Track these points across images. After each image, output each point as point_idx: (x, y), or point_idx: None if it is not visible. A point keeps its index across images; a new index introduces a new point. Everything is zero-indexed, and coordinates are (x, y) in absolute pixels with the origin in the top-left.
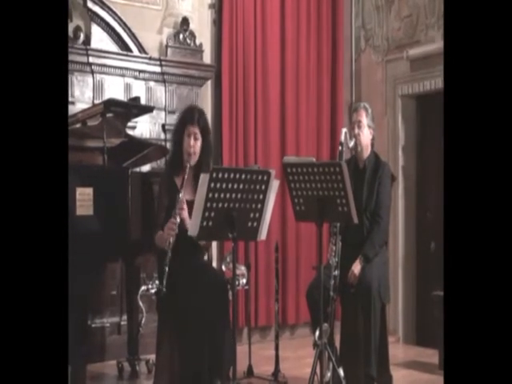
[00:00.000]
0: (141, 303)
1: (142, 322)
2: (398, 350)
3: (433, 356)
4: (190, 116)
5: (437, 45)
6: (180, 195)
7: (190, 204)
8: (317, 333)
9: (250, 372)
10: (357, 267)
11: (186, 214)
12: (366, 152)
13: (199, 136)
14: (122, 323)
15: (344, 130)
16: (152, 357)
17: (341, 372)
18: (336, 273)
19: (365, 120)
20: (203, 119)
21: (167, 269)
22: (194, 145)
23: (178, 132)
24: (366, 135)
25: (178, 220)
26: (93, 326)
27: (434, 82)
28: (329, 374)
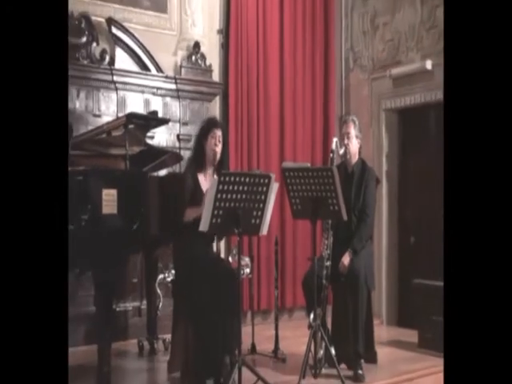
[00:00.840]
0: (158, 290)
1: (160, 305)
2: (381, 331)
3: (412, 336)
4: (214, 122)
5: (416, 65)
6: (204, 188)
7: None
8: (311, 315)
9: (253, 349)
10: (346, 259)
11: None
12: (354, 158)
13: (221, 139)
14: (142, 307)
15: (335, 140)
16: (168, 336)
17: (332, 349)
18: (328, 263)
19: (353, 131)
20: (223, 128)
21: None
22: (218, 146)
23: (204, 135)
24: (354, 144)
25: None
26: (117, 309)
27: (414, 97)
28: (322, 351)
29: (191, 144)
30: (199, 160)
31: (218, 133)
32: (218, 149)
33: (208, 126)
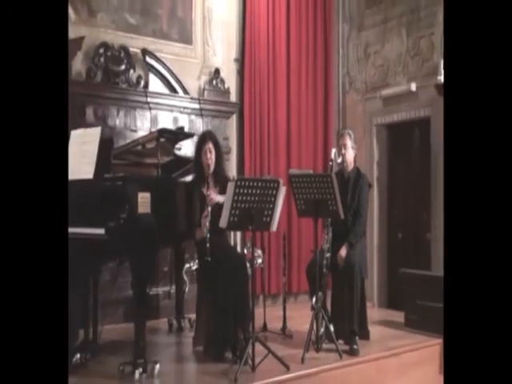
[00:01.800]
0: (185, 277)
1: (186, 290)
2: (373, 312)
3: (399, 317)
4: (203, 137)
5: (402, 87)
6: (207, 200)
7: (216, 204)
8: (314, 299)
9: (264, 327)
10: (343, 251)
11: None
12: (350, 166)
13: (213, 149)
14: (171, 291)
15: (334, 150)
16: (193, 316)
17: (331, 327)
18: (328, 255)
19: (349, 143)
20: (213, 136)
21: (208, 245)
22: (210, 156)
23: (198, 152)
24: (349, 154)
25: (209, 216)
26: (150, 293)
27: (401, 114)
28: (322, 329)
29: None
30: (199, 177)
31: (209, 145)
32: (211, 160)
33: (200, 143)
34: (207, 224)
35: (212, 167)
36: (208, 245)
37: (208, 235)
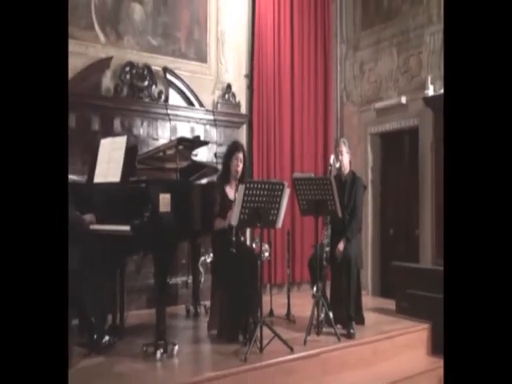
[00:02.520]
0: (200, 268)
1: (201, 280)
2: (368, 300)
3: (391, 304)
4: (236, 146)
5: (394, 100)
6: (231, 198)
7: (232, 202)
8: (315, 288)
9: (271, 313)
10: (341, 245)
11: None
12: (347, 170)
13: (242, 160)
14: (189, 281)
15: (332, 156)
16: (207, 303)
17: (330, 314)
18: (327, 249)
19: (344, 150)
20: (244, 150)
21: (234, 238)
22: (240, 165)
23: (229, 156)
24: (346, 159)
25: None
26: (170, 282)
27: (392, 124)
28: (322, 315)
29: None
30: (226, 176)
31: (240, 155)
32: (240, 168)
33: (232, 150)
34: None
35: (239, 175)
36: (234, 238)
37: (234, 228)
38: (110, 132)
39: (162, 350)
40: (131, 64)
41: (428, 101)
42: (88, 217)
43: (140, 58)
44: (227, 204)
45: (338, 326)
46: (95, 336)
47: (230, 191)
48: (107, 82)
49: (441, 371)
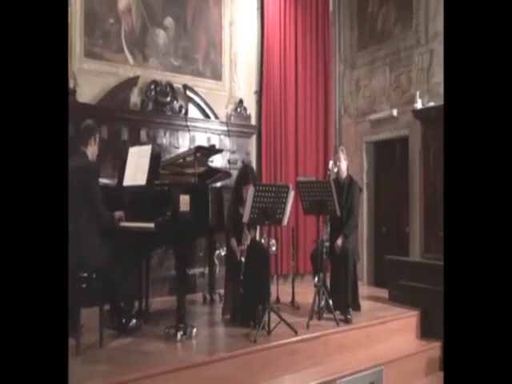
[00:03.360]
0: (216, 260)
1: (217, 271)
2: (363, 289)
3: (384, 293)
4: (245, 180)
5: (386, 113)
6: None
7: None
8: (316, 278)
9: (277, 300)
10: (339, 241)
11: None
12: (344, 174)
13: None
14: (205, 272)
15: (331, 162)
16: (222, 291)
17: (330, 301)
18: (327, 244)
19: (342, 157)
20: (253, 176)
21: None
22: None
23: (239, 184)
24: (344, 165)
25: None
26: (189, 273)
27: (384, 134)
28: (323, 302)
29: (238, 166)
30: (238, 200)
31: (250, 187)
32: (250, 192)
33: (242, 182)
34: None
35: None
36: (243, 235)
37: (246, 244)
38: (137, 141)
39: (181, 332)
40: (155, 82)
41: (417, 113)
42: (117, 214)
43: (163, 76)
44: (240, 220)
45: (337, 312)
46: (124, 319)
47: (242, 210)
48: (135, 98)
49: (429, 353)
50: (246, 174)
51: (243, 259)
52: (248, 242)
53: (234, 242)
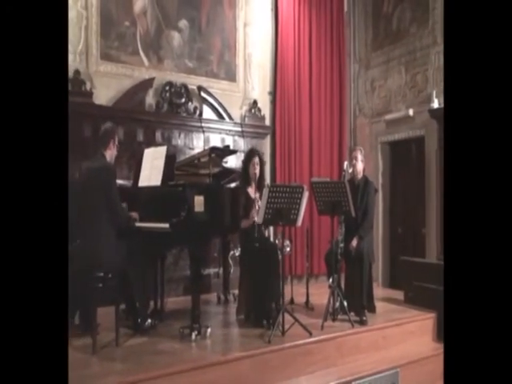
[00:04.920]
0: (230, 261)
1: (231, 271)
2: (378, 291)
3: (400, 295)
4: (252, 153)
5: (402, 113)
6: (253, 198)
7: (254, 200)
8: (330, 279)
9: (292, 301)
10: (354, 242)
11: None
12: (360, 175)
13: (258, 163)
14: (220, 272)
15: (346, 163)
16: (236, 291)
17: (345, 302)
18: (342, 245)
19: (359, 157)
20: (259, 153)
21: (256, 235)
22: (257, 168)
23: (246, 163)
24: (359, 166)
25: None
26: (204, 273)
27: (400, 134)
28: (338, 303)
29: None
30: (246, 179)
31: (256, 160)
32: (257, 171)
33: (249, 156)
34: (256, 218)
35: (257, 177)
36: (256, 235)
37: (257, 226)
38: (152, 142)
39: (196, 332)
40: (170, 84)
41: (433, 113)
42: (132, 214)
43: (178, 78)
44: (250, 203)
45: (352, 313)
46: (139, 319)
47: (252, 191)
48: (150, 99)
49: None
50: (251, 151)
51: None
52: (255, 217)
53: (243, 222)
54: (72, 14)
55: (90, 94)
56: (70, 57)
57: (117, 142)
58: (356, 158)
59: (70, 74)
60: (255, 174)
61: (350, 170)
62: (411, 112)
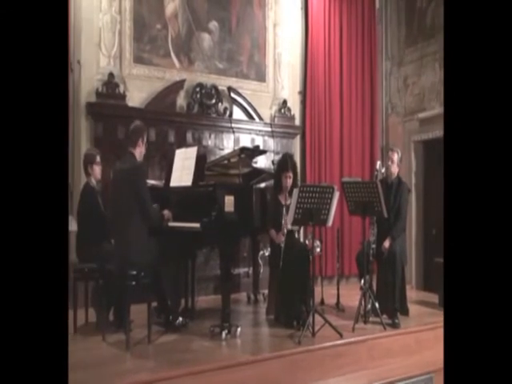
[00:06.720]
0: (260, 261)
1: (261, 271)
2: (412, 293)
3: (434, 298)
4: (285, 166)
5: (436, 111)
6: (284, 208)
7: (286, 207)
8: (362, 281)
9: (322, 302)
10: (387, 243)
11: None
12: (393, 176)
13: (291, 176)
14: (249, 272)
15: (378, 162)
16: (266, 291)
17: (377, 304)
18: (373, 246)
19: (396, 159)
20: (293, 164)
21: (283, 238)
22: (289, 182)
23: (279, 174)
24: (394, 167)
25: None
26: (234, 272)
27: (434, 133)
28: (369, 305)
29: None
30: (278, 188)
31: (289, 174)
32: (289, 183)
33: (282, 169)
34: (286, 229)
35: (289, 188)
36: (283, 238)
37: (285, 231)
38: (183, 143)
39: (226, 331)
40: (201, 85)
41: None
42: (166, 213)
43: (208, 79)
44: (280, 210)
45: (384, 316)
46: (171, 317)
47: (282, 198)
48: (181, 100)
49: None
50: (285, 162)
51: (282, 246)
52: (285, 230)
53: (273, 231)
54: (106, 18)
55: (123, 97)
56: (105, 60)
57: (145, 140)
58: (392, 160)
59: (105, 77)
60: (287, 186)
61: (383, 170)
62: None
